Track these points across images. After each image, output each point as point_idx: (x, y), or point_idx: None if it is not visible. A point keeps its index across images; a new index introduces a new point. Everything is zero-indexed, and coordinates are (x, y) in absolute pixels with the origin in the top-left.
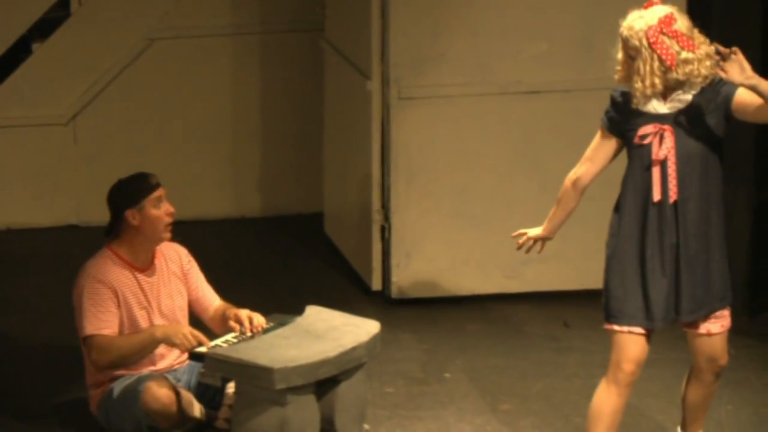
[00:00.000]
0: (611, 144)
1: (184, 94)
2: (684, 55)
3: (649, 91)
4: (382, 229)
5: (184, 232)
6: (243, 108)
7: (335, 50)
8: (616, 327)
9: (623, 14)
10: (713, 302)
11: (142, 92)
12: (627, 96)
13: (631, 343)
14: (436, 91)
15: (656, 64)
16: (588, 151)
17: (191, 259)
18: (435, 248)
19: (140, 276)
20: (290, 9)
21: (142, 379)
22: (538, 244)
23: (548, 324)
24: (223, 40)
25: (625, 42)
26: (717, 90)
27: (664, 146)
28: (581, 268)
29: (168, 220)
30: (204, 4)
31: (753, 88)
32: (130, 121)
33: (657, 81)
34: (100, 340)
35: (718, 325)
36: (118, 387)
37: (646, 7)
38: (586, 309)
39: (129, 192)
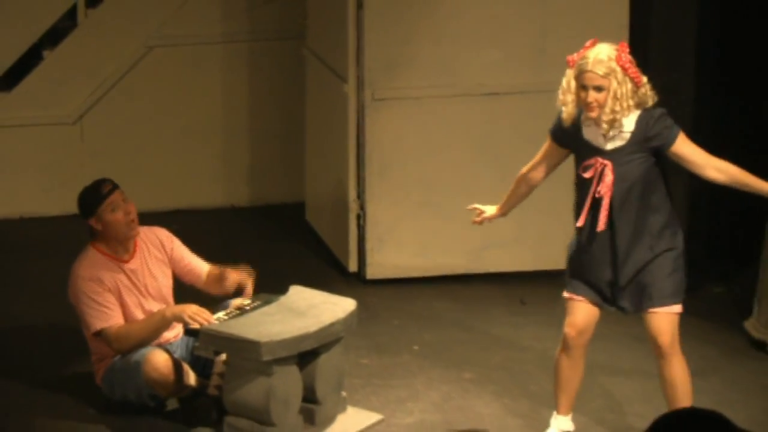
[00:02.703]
0: (558, 153)
1: (180, 96)
2: (643, 76)
3: (627, 113)
4: (358, 217)
5: (179, 220)
6: (233, 108)
7: (315, 56)
8: (565, 293)
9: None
10: (653, 304)
11: (142, 94)
12: (576, 123)
13: (575, 309)
14: (407, 93)
15: (630, 86)
16: (539, 155)
17: (173, 239)
18: (405, 234)
19: (125, 266)
20: (275, 19)
21: (142, 352)
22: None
23: (507, 302)
24: (214, 47)
25: (590, 75)
26: (655, 127)
27: (604, 185)
28: (537, 250)
29: (127, 219)
30: (198, 14)
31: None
32: (131, 120)
33: (632, 103)
34: (116, 332)
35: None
36: (120, 360)
37: (591, 45)
38: (542, 288)
39: (85, 204)
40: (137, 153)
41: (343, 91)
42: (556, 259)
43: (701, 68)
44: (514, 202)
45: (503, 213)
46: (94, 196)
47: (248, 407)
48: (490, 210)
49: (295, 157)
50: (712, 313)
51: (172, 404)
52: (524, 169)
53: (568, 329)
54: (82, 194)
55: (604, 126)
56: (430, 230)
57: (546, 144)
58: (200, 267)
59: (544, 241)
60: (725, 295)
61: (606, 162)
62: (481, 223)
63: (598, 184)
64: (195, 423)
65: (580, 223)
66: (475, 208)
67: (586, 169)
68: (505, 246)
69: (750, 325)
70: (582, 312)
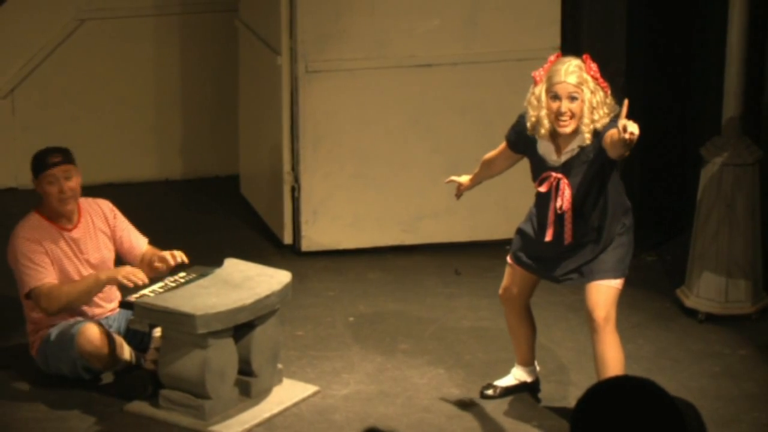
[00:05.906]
0: (512, 157)
1: (112, 69)
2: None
3: (603, 121)
4: (292, 189)
5: (113, 193)
6: (165, 81)
7: (248, 29)
8: (508, 258)
9: None
10: (593, 277)
11: (74, 68)
12: (533, 135)
13: (508, 272)
14: (339, 65)
15: (602, 94)
16: (498, 150)
17: (116, 212)
18: (339, 206)
19: (66, 233)
20: None
21: (77, 325)
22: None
23: (441, 272)
24: (146, 20)
25: (563, 85)
26: (600, 136)
27: (563, 200)
28: (470, 221)
29: (60, 196)
30: None
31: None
32: (63, 93)
33: (607, 110)
34: (46, 290)
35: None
36: (55, 332)
37: (555, 59)
38: (475, 258)
39: (33, 164)
40: (69, 127)
41: (277, 64)
42: (489, 230)
43: (632, 38)
44: (480, 178)
45: (475, 183)
46: (39, 162)
47: (184, 380)
48: (464, 179)
49: (228, 130)
50: (644, 281)
51: (108, 378)
52: (487, 156)
53: (501, 292)
54: (34, 155)
55: (587, 135)
56: (364, 202)
57: (503, 145)
58: (140, 246)
59: (477, 212)
60: (657, 263)
61: (560, 176)
62: (460, 195)
63: (556, 199)
64: (130, 396)
65: (548, 238)
66: (452, 181)
67: (541, 183)
68: (438, 217)
69: (681, 293)
70: (514, 275)
